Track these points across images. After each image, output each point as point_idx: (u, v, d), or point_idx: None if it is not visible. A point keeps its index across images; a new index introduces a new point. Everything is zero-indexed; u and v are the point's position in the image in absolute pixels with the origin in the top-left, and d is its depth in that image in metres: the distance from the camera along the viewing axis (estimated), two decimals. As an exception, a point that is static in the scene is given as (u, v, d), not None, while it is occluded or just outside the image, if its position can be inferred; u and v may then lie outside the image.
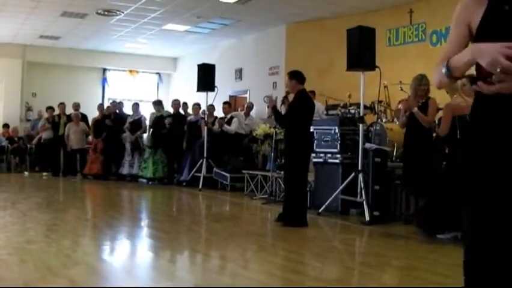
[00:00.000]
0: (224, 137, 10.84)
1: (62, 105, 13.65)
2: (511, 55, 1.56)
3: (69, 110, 13.59)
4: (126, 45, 15.60)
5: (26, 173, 13.76)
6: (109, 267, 4.16)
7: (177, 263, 4.54)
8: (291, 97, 6.52)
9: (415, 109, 6.20)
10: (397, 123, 7.86)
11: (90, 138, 13.27)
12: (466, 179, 1.83)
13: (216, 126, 10.89)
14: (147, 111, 12.77)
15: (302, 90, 6.37)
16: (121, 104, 13.15)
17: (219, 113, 11.66)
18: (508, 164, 1.72)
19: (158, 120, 11.75)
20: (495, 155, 1.74)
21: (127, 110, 13.13)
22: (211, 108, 11.21)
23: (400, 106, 8.13)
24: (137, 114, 12.44)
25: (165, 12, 11.69)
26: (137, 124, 12.17)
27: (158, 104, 12.24)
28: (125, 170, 12.15)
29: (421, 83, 6.31)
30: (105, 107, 13.97)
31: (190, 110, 12.13)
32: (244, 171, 9.77)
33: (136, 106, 12.61)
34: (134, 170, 12.02)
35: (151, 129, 11.89)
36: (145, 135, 12.23)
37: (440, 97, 6.49)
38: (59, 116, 13.50)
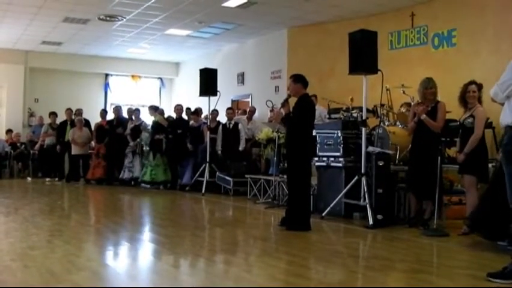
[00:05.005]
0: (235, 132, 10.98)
1: (69, 110, 13.60)
2: None
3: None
4: (128, 51, 15.64)
5: (29, 179, 13.78)
6: (112, 272, 4.15)
7: (180, 268, 4.53)
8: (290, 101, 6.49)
9: (423, 116, 6.21)
10: (400, 126, 7.84)
11: (92, 143, 13.29)
12: None
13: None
14: (149, 117, 12.76)
15: (306, 95, 6.38)
16: (118, 108, 13.08)
17: (222, 117, 11.67)
18: None
19: (155, 125, 11.78)
20: None
21: (125, 114, 13.11)
22: (214, 112, 11.23)
23: (403, 109, 8.12)
24: (138, 120, 12.43)
25: (167, 17, 11.72)
26: (137, 130, 12.17)
27: (152, 109, 12.27)
28: (125, 174, 12.15)
29: (428, 86, 6.31)
30: (108, 111, 13.97)
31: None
32: (247, 176, 9.77)
33: (136, 112, 12.61)
34: (135, 174, 12.02)
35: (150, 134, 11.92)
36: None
37: (446, 100, 6.47)
38: (65, 122, 13.47)
